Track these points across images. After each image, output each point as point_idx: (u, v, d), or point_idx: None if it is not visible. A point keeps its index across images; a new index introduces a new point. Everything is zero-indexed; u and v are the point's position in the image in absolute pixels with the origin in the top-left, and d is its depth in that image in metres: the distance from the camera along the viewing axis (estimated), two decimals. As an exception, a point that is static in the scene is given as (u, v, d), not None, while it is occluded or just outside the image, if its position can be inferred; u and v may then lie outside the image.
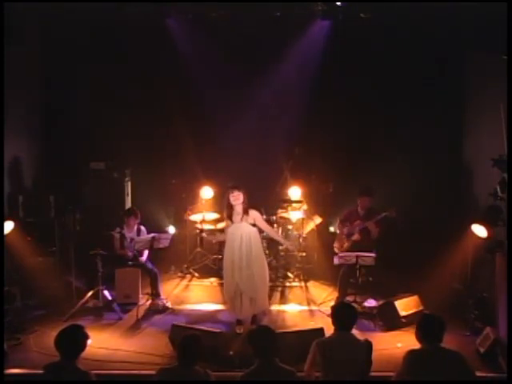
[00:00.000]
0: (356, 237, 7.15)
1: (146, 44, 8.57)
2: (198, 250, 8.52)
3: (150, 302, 7.03)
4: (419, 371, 4.06)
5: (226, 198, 6.29)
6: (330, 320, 4.59)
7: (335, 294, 7.13)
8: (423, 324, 4.26)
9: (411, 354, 4.18)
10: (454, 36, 7.91)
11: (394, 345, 5.99)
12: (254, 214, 6.27)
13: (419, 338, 4.25)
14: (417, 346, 4.33)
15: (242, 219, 6.23)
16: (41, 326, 6.36)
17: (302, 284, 7.96)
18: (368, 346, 4.36)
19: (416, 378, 4.06)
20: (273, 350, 4.12)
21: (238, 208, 6.23)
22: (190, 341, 4.16)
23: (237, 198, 6.19)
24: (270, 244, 8.11)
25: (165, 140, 8.96)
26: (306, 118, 8.84)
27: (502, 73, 6.05)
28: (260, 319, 6.52)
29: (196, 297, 7.58)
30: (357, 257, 6.70)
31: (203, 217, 8.29)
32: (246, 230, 6.24)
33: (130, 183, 8.80)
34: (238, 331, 6.32)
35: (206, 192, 8.54)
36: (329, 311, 5.67)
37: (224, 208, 6.37)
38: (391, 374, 4.39)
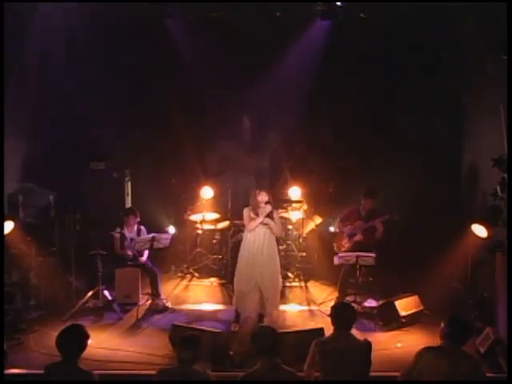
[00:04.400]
0: (359, 237, 7.13)
1: (146, 44, 8.56)
2: (198, 250, 8.51)
3: (149, 302, 7.03)
4: (432, 368, 4.01)
5: (253, 197, 6.28)
6: (329, 320, 4.59)
7: (335, 294, 7.14)
8: (453, 326, 4.16)
9: (427, 350, 4.14)
10: (454, 36, 7.91)
11: (394, 345, 5.99)
12: (275, 213, 6.32)
13: (443, 336, 4.17)
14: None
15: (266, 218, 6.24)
16: (41, 325, 6.36)
17: (302, 284, 7.95)
18: (368, 346, 4.35)
19: (427, 375, 4.01)
20: (276, 351, 4.12)
21: (264, 206, 6.23)
22: (189, 341, 4.15)
23: (263, 198, 6.21)
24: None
25: (165, 140, 8.95)
26: (306, 117, 8.83)
27: (502, 73, 6.05)
28: (261, 319, 6.51)
29: (196, 297, 7.58)
30: (357, 257, 6.69)
31: (203, 217, 8.29)
32: (267, 230, 6.27)
33: (129, 183, 8.80)
34: (233, 329, 6.35)
35: (206, 192, 8.53)
36: (329, 311, 5.65)
37: (251, 205, 6.33)
38: (391, 373, 4.40)
